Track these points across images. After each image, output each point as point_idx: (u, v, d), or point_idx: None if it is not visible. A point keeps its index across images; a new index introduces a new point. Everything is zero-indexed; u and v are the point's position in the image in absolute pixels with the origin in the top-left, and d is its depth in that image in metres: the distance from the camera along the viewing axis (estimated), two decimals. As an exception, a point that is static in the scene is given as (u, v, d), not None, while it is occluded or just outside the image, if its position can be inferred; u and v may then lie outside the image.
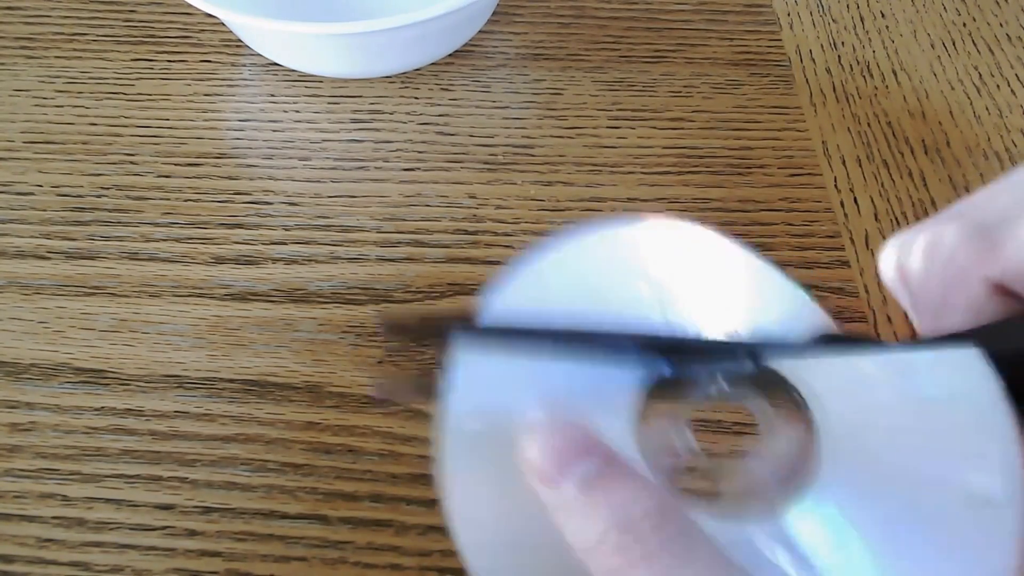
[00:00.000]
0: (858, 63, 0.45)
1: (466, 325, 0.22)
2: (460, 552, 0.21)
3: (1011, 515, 0.19)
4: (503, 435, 0.21)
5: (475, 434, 0.21)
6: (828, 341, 0.23)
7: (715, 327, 0.24)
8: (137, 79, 0.44)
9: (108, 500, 0.30)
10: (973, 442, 0.20)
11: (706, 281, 0.25)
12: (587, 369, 0.22)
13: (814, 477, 0.21)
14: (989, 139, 0.41)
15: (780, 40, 0.46)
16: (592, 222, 0.24)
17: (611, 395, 0.22)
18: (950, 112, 0.42)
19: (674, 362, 0.23)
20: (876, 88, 0.44)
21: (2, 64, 0.45)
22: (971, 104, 0.43)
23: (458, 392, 0.22)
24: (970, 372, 0.21)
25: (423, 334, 0.24)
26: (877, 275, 0.36)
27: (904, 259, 0.25)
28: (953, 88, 0.44)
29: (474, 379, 0.22)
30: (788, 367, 0.22)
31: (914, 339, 0.23)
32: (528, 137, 0.42)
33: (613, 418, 0.22)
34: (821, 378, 0.22)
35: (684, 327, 0.24)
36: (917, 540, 0.20)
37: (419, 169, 0.40)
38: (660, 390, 0.23)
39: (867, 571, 0.19)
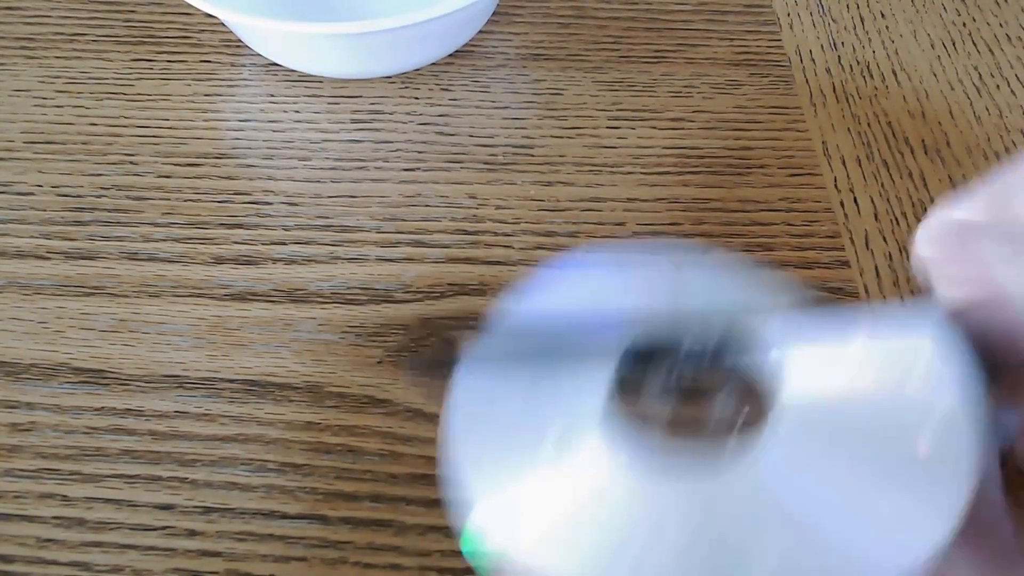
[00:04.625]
0: (858, 63, 0.45)
1: (471, 341, 0.26)
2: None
3: (959, 472, 0.20)
4: (500, 409, 0.25)
5: (476, 415, 0.25)
6: (802, 308, 0.25)
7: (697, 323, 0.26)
8: (137, 79, 0.44)
9: (108, 500, 0.30)
10: (932, 400, 0.22)
11: (699, 295, 0.28)
12: (567, 363, 0.25)
13: (771, 435, 0.23)
14: (989, 139, 0.41)
15: (780, 40, 0.46)
16: (592, 248, 0.27)
17: (590, 380, 0.25)
18: (950, 112, 0.42)
19: (651, 343, 0.25)
20: (876, 88, 0.44)
21: (2, 64, 0.45)
22: (971, 104, 0.43)
23: (464, 386, 0.25)
24: (937, 337, 0.22)
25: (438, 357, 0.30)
26: (877, 275, 0.36)
27: (931, 246, 0.25)
28: (953, 88, 0.44)
29: (471, 377, 0.25)
30: (754, 340, 0.25)
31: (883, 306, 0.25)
32: (528, 137, 0.42)
33: (591, 402, 0.24)
34: (788, 349, 0.24)
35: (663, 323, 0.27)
36: (862, 488, 0.21)
37: (419, 169, 0.40)
38: (636, 370, 0.26)
39: (810, 516, 0.21)
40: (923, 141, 0.41)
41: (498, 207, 0.39)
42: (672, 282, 0.28)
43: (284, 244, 0.37)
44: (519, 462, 0.24)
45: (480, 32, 0.46)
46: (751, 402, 0.25)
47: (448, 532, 0.30)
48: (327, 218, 0.38)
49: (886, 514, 0.21)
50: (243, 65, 0.45)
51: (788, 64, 0.45)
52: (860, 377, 0.23)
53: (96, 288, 0.36)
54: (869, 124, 0.42)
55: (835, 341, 0.24)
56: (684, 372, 0.26)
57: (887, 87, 0.44)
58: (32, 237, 0.38)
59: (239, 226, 0.38)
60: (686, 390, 0.26)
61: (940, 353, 0.23)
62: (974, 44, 0.46)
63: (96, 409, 0.32)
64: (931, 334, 0.23)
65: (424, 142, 0.42)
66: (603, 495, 0.23)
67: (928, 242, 0.25)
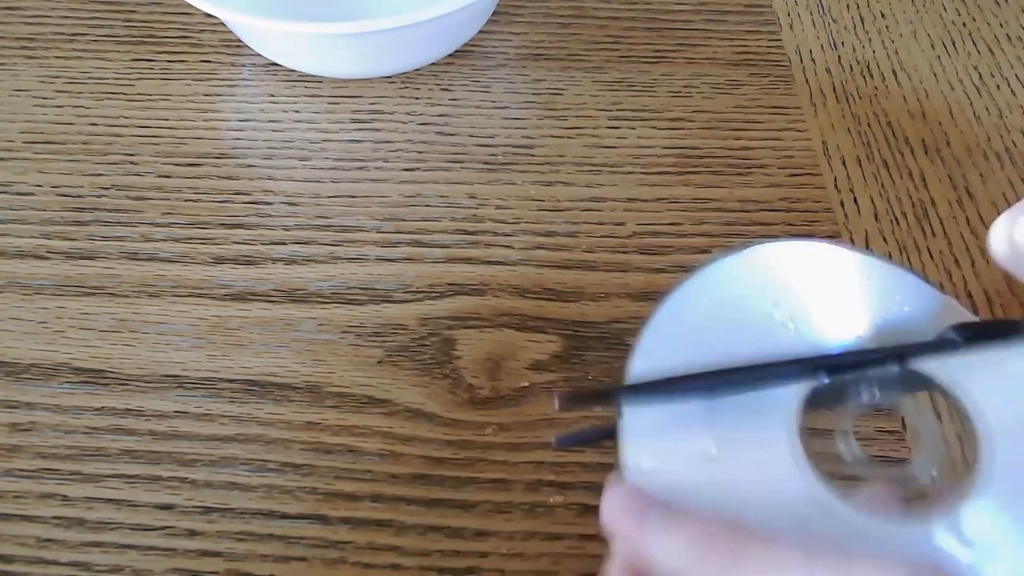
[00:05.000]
0: (858, 63, 0.45)
1: (630, 389, 0.24)
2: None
3: None
4: (677, 468, 0.22)
5: (650, 471, 0.23)
6: (967, 331, 0.23)
7: (850, 336, 0.24)
8: (137, 79, 0.44)
9: (108, 500, 0.30)
10: None
11: (834, 293, 0.26)
12: (741, 400, 0.23)
13: (978, 474, 0.21)
14: (989, 139, 0.41)
15: (780, 40, 0.46)
16: (715, 255, 0.26)
17: (771, 415, 0.23)
18: (950, 112, 0.42)
19: (825, 376, 0.23)
20: (876, 88, 0.44)
21: (2, 64, 0.45)
22: (971, 104, 0.43)
23: (631, 438, 0.23)
24: None
25: (595, 403, 0.26)
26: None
27: (1017, 234, 0.24)
28: (953, 88, 0.44)
29: (645, 425, 0.23)
30: (936, 367, 0.23)
31: None
32: (528, 137, 0.42)
33: (777, 436, 0.22)
34: (972, 373, 0.22)
35: (822, 342, 0.24)
36: None
37: (419, 169, 0.40)
38: (816, 404, 0.23)
39: None
40: (923, 141, 0.41)
41: (498, 207, 0.39)
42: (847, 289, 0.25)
43: (284, 244, 0.37)
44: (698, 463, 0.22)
45: (480, 32, 0.46)
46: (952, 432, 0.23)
47: (448, 532, 0.30)
48: (327, 218, 0.38)
49: None
50: (243, 65, 0.45)
51: (788, 64, 0.45)
52: None
53: (96, 288, 0.36)
54: (869, 124, 0.42)
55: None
56: (869, 401, 0.24)
57: (887, 87, 0.44)
58: (32, 237, 0.38)
59: (239, 226, 0.38)
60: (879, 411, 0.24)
61: None
62: (974, 44, 0.46)
63: (96, 409, 0.32)
64: None
65: (424, 142, 0.42)
66: (783, 505, 0.21)
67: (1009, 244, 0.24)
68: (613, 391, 0.23)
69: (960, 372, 0.23)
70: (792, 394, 0.23)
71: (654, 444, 0.23)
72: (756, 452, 0.22)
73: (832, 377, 0.23)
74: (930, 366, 0.23)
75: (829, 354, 0.24)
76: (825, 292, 0.25)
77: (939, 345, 0.23)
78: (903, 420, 0.24)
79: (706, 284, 0.26)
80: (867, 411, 0.24)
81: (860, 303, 0.25)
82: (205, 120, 0.42)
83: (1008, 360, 0.22)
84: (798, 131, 0.42)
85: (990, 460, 0.21)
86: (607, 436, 0.24)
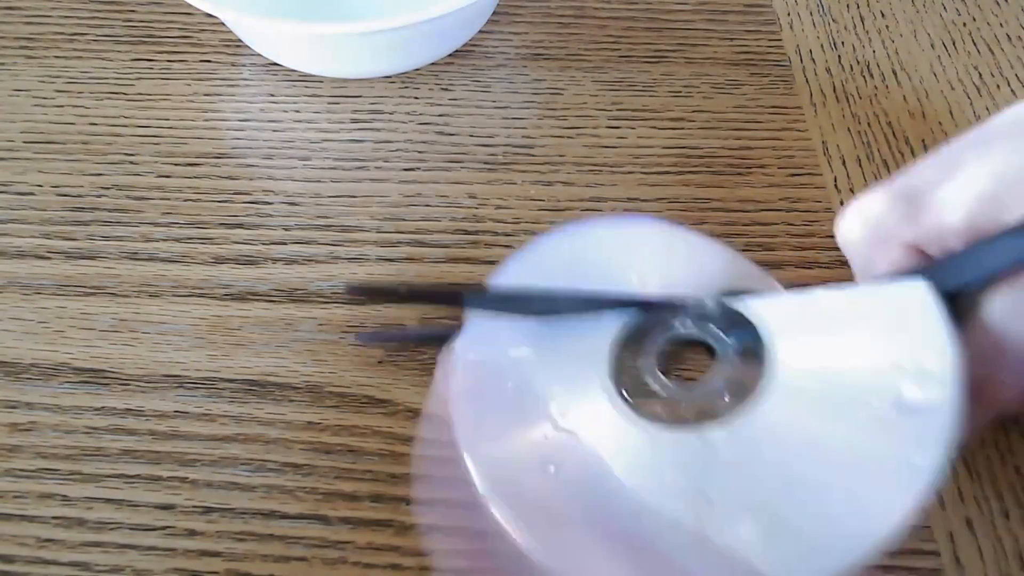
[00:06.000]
0: (858, 63, 0.45)
1: (477, 292, 0.29)
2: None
3: (940, 423, 0.22)
4: (496, 365, 0.27)
5: (475, 363, 0.27)
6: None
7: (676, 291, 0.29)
8: (137, 79, 0.44)
9: (108, 500, 0.30)
10: (911, 358, 0.23)
11: (673, 265, 0.30)
12: (569, 322, 0.28)
13: (764, 393, 0.25)
14: (989, 139, 0.41)
15: (780, 40, 0.46)
16: (574, 221, 0.31)
17: (591, 336, 0.27)
18: (950, 112, 0.42)
19: (644, 308, 0.28)
20: (876, 88, 0.44)
21: (2, 64, 0.45)
22: (971, 104, 0.43)
23: (467, 334, 0.28)
24: (914, 302, 0.25)
25: (385, 298, 0.34)
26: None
27: (844, 226, 0.29)
28: (953, 88, 0.44)
29: (477, 330, 0.28)
30: (743, 304, 0.27)
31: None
32: (528, 137, 0.42)
33: (593, 361, 0.27)
34: (778, 316, 0.26)
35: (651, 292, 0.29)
36: (849, 441, 0.23)
37: (419, 169, 0.40)
38: (634, 334, 0.28)
39: (802, 467, 0.23)
40: (923, 141, 0.41)
41: (498, 207, 0.39)
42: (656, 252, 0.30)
43: (284, 244, 0.37)
44: (521, 410, 0.26)
45: (480, 32, 0.46)
46: (744, 361, 0.27)
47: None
48: (327, 218, 0.38)
49: (865, 476, 0.22)
50: (243, 65, 0.45)
51: (788, 64, 0.45)
52: (848, 337, 0.25)
53: (96, 288, 0.36)
54: (869, 124, 0.42)
55: (824, 305, 0.26)
56: (681, 332, 0.29)
57: (887, 87, 0.44)
58: (32, 237, 0.38)
59: (239, 226, 0.38)
60: (683, 348, 0.29)
61: (923, 311, 0.24)
62: (974, 44, 0.46)
63: (96, 409, 0.32)
64: (915, 295, 0.25)
65: (424, 142, 0.42)
66: (603, 441, 0.25)
67: (851, 229, 0.28)
68: (403, 289, 0.30)
69: (763, 308, 0.27)
70: (614, 322, 0.28)
71: (483, 342, 0.27)
72: (568, 359, 0.27)
73: (650, 309, 0.28)
74: (738, 303, 0.27)
75: (652, 295, 0.29)
76: (665, 264, 0.30)
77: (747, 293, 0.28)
78: (707, 348, 0.29)
79: (551, 249, 0.31)
80: (678, 342, 0.29)
81: (692, 272, 0.30)
82: (205, 120, 0.42)
83: (807, 301, 0.26)
84: (798, 131, 0.42)
85: (779, 382, 0.25)
86: (411, 341, 0.30)
